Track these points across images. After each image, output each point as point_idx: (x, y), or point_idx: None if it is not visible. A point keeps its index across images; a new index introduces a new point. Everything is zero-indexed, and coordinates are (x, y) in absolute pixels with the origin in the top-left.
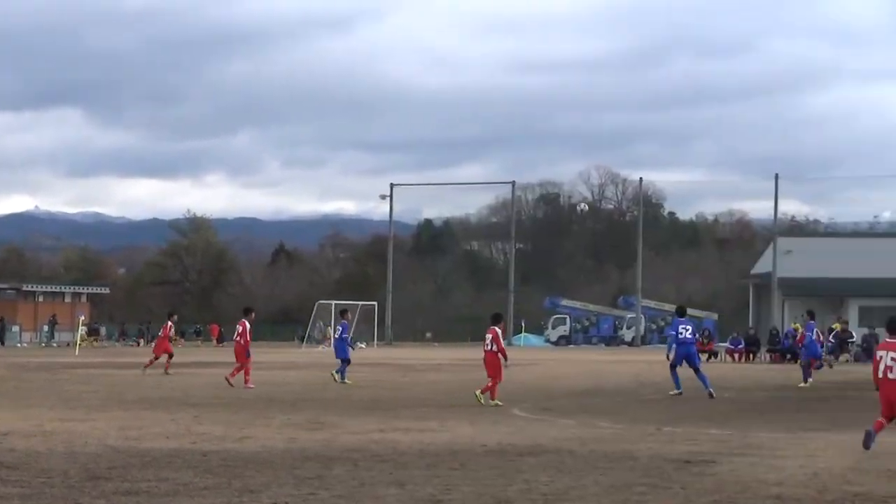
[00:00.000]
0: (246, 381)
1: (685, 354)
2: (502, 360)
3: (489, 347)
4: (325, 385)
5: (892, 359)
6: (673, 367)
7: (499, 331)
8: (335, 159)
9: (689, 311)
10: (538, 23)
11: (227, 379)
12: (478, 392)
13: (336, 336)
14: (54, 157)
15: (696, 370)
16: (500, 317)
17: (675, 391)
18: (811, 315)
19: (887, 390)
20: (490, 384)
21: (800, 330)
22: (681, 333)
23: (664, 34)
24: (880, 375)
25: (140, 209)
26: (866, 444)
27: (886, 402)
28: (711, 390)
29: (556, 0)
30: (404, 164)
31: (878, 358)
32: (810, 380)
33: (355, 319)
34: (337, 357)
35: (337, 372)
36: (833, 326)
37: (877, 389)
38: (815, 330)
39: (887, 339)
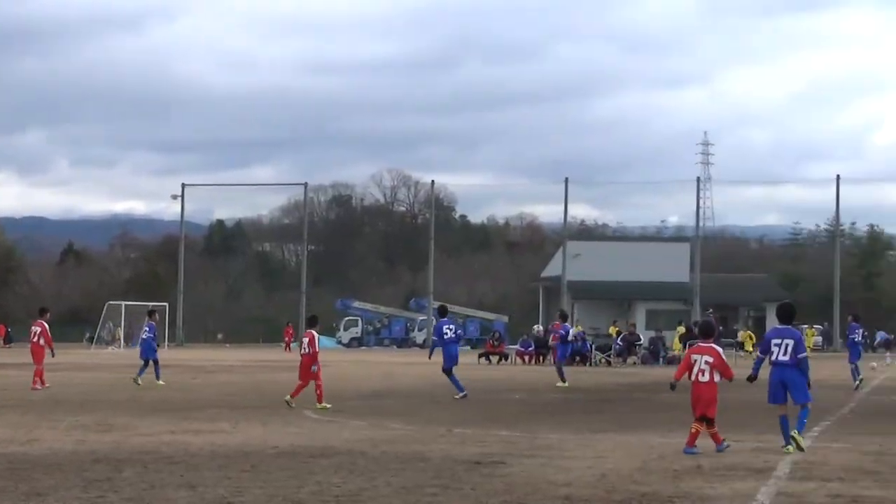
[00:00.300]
0: (34, 382)
1: (454, 354)
2: (312, 365)
3: (305, 350)
4: (114, 386)
5: (706, 362)
6: (447, 371)
7: (315, 333)
8: (126, 159)
9: (481, 313)
10: (329, 24)
11: (34, 388)
12: (318, 405)
13: (143, 336)
14: None
15: (448, 371)
16: (316, 319)
17: (460, 394)
18: (563, 317)
19: (696, 391)
20: (318, 391)
21: (579, 330)
22: (446, 334)
23: (454, 38)
24: (692, 378)
25: None
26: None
27: (695, 402)
28: (465, 393)
29: (347, 2)
30: (197, 165)
31: (691, 361)
32: (566, 382)
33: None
34: (141, 357)
35: (139, 374)
36: (610, 331)
37: (672, 388)
38: (570, 330)
39: (700, 343)
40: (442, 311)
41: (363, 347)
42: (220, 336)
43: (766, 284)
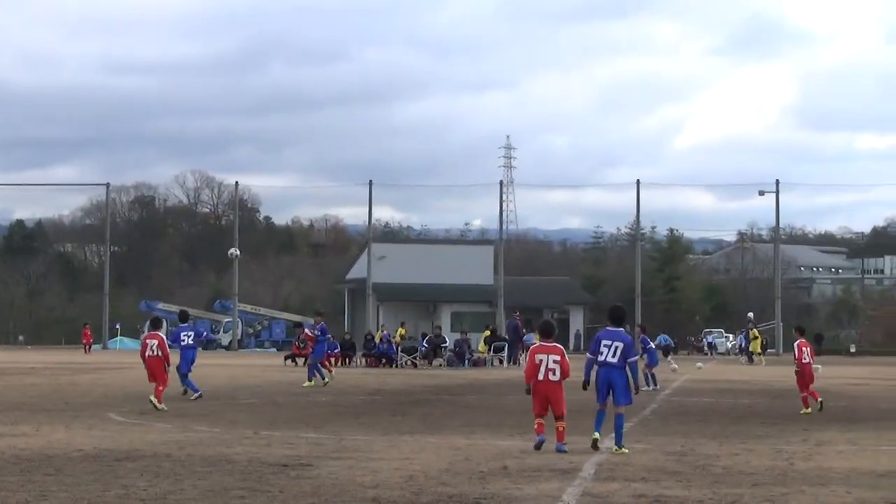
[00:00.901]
0: None
1: (191, 358)
2: (166, 366)
3: (154, 353)
4: None
5: (554, 361)
6: (184, 375)
7: (163, 336)
8: None
9: (286, 315)
10: (132, 23)
11: None
12: (152, 398)
13: None
14: None
15: (185, 375)
16: (161, 322)
17: (195, 395)
18: (319, 314)
19: (545, 390)
20: (160, 389)
21: (382, 333)
22: (183, 340)
23: (260, 39)
24: (540, 378)
25: None
26: (538, 447)
27: (544, 401)
28: (200, 393)
29: (151, 0)
30: None
31: (536, 361)
32: (313, 381)
33: None
34: None
35: None
36: (400, 332)
37: (528, 392)
38: (325, 331)
39: (542, 343)
40: (182, 317)
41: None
42: (21, 338)
43: (569, 287)
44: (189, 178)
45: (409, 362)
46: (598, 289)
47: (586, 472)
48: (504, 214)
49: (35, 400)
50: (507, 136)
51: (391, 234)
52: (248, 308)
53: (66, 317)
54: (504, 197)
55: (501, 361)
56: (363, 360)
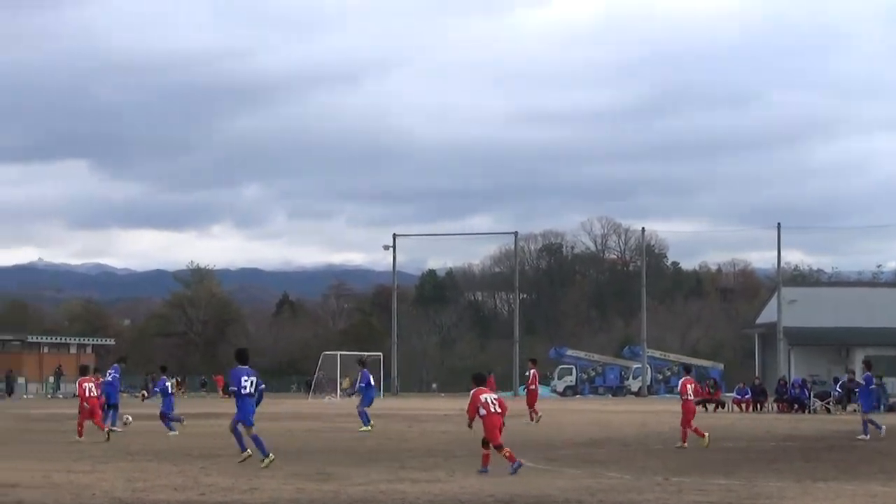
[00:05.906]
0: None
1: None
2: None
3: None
4: (332, 436)
5: (493, 400)
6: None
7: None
8: (342, 211)
9: (697, 360)
10: (540, 75)
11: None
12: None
13: (108, 379)
14: (60, 208)
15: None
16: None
17: (243, 454)
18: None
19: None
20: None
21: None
22: (244, 388)
23: (667, 86)
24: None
25: (144, 260)
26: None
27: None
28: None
29: (559, 52)
30: (411, 216)
31: (483, 401)
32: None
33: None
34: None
35: (112, 423)
36: (836, 378)
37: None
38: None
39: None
40: (240, 357)
41: (578, 396)
42: (434, 385)
43: None
44: (596, 224)
45: (822, 407)
46: None
47: None
48: None
49: (448, 446)
50: None
51: (801, 278)
52: (658, 354)
53: (477, 364)
54: None
55: None
56: (775, 405)
